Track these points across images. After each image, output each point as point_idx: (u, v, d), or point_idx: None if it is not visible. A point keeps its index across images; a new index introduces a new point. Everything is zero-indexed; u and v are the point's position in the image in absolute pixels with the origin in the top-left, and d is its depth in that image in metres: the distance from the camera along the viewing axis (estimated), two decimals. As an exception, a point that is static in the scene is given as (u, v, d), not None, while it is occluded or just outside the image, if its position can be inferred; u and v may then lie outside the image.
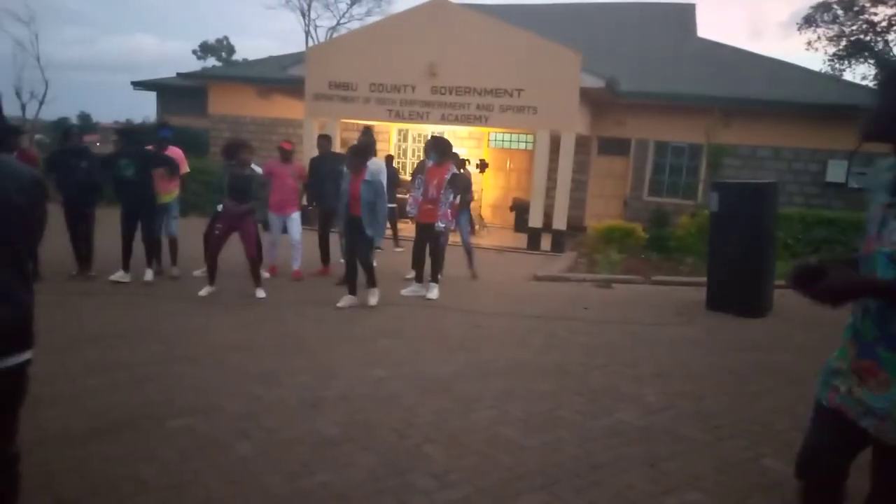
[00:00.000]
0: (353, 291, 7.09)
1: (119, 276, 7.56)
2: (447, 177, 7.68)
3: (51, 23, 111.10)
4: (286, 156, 8.42)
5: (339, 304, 6.97)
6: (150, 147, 8.09)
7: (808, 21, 27.28)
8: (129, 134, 8.16)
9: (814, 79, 16.58)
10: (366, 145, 7.58)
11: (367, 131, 8.68)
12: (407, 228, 11.10)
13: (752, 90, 14.47)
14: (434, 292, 7.64)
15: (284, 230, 8.47)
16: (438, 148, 7.82)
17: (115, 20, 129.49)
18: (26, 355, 2.26)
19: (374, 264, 7.17)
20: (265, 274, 7.97)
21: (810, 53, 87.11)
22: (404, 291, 7.82)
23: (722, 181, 8.42)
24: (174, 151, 8.20)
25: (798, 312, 7.65)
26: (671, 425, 4.14)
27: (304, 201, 9.33)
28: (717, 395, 4.76)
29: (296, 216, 8.45)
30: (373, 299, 7.10)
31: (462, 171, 10.31)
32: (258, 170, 7.81)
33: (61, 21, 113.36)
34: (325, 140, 9.14)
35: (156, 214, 7.81)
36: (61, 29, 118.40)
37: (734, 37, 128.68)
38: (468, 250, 9.22)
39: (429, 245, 7.78)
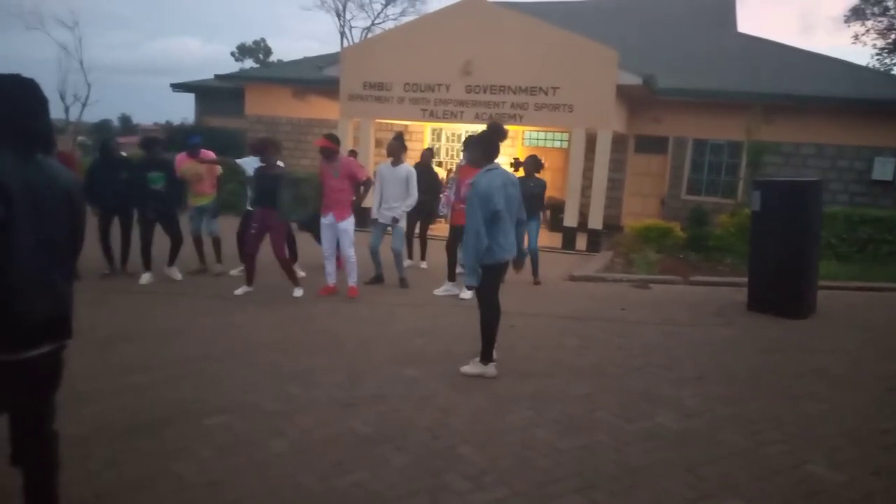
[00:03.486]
0: (485, 356, 4.96)
1: (146, 278, 7.65)
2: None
3: (97, 28, 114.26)
4: (324, 154, 7.22)
5: (464, 370, 4.98)
6: (182, 154, 8.22)
7: (857, 13, 26.57)
8: (154, 143, 7.96)
9: (860, 73, 16.10)
10: (495, 131, 5.15)
11: (399, 136, 8.45)
12: (439, 228, 11.07)
13: (795, 86, 14.12)
14: (467, 292, 7.61)
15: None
16: (472, 147, 7.75)
17: (159, 24, 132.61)
18: (63, 343, 2.46)
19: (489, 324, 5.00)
20: (301, 273, 8.01)
21: (857, 48, 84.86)
22: (437, 291, 7.81)
23: (764, 179, 8.23)
24: (206, 154, 8.30)
25: (842, 314, 7.45)
26: (710, 429, 4.05)
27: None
28: (758, 398, 4.64)
29: (345, 225, 7.28)
30: (472, 368, 4.97)
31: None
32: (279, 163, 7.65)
33: (107, 26, 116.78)
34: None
35: (176, 218, 7.87)
36: (107, 33, 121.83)
37: (777, 33, 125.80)
38: (534, 257, 8.76)
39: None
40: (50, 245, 2.33)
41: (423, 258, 9.68)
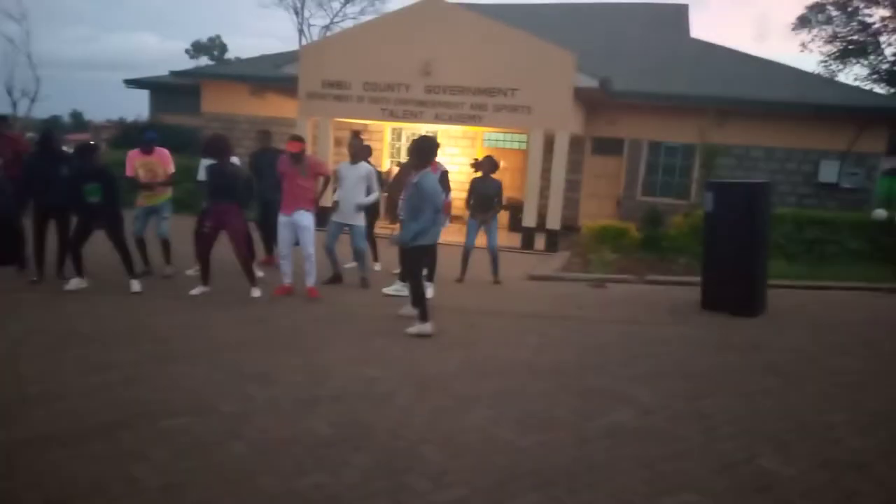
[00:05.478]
0: (424, 317, 6.06)
1: (76, 283, 7.10)
2: (436, 176, 7.63)
3: (52, 22, 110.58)
4: (295, 157, 7.21)
5: (408, 330, 6.03)
6: (136, 149, 7.95)
7: (803, 22, 27.45)
8: (90, 151, 7.22)
9: (807, 79, 16.65)
10: (431, 141, 6.35)
11: (356, 134, 8.42)
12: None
13: (746, 90, 14.51)
14: (429, 291, 7.59)
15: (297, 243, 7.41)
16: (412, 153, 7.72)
17: (116, 19, 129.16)
18: None
19: (426, 293, 6.25)
20: (259, 273, 7.90)
21: (805, 55, 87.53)
22: (387, 290, 7.68)
23: (716, 181, 8.41)
24: (160, 152, 8.00)
25: (792, 312, 7.67)
26: (667, 426, 4.13)
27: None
28: (713, 395, 4.75)
29: (306, 222, 7.26)
30: (418, 327, 5.99)
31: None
32: (236, 160, 7.57)
33: (62, 20, 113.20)
34: (265, 135, 9.25)
35: (120, 224, 7.22)
36: (62, 28, 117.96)
37: (731, 39, 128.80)
38: (493, 256, 8.87)
39: None
40: None
41: (375, 259, 9.45)
